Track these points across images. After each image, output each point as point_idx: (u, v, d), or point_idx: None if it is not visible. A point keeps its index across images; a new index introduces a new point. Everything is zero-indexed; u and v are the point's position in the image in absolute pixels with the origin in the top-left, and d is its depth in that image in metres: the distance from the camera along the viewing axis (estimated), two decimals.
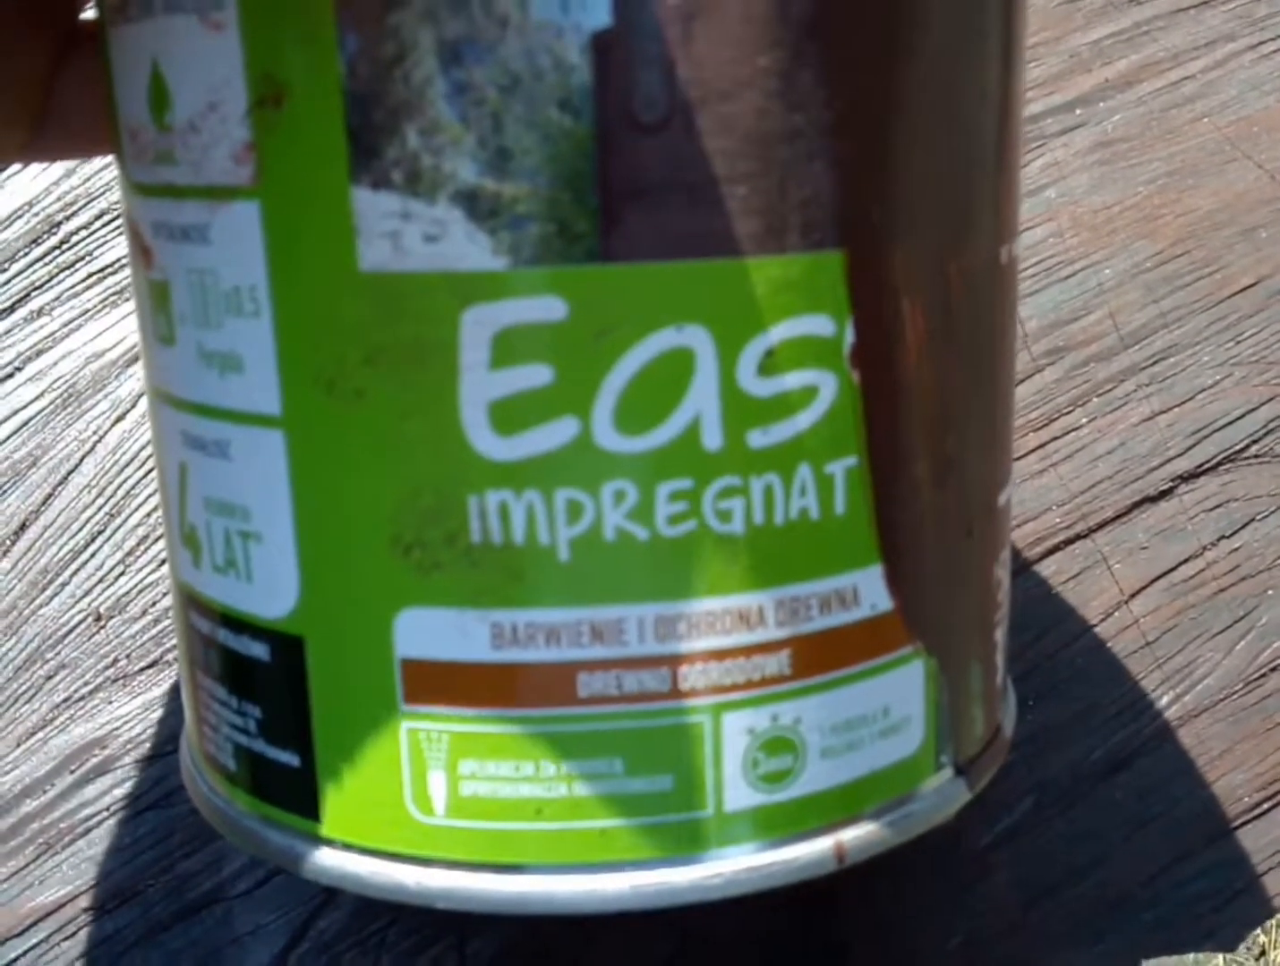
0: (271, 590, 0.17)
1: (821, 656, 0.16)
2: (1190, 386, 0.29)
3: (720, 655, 0.16)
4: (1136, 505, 0.28)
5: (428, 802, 0.16)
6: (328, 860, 0.17)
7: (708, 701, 0.16)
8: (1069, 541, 0.28)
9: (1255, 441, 0.28)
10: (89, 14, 0.19)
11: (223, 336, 0.16)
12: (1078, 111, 0.30)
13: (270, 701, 0.17)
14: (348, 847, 0.17)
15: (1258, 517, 0.28)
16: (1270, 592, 0.28)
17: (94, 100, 0.19)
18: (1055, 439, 0.28)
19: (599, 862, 0.16)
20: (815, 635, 0.16)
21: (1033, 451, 0.28)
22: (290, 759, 0.17)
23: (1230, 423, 0.28)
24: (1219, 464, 0.28)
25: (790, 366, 0.15)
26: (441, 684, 0.16)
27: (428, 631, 0.16)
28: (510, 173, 0.14)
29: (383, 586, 0.16)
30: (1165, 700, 0.28)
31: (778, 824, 0.17)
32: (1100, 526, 0.28)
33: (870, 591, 0.17)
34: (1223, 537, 0.28)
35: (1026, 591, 0.28)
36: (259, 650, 0.17)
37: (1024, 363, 0.29)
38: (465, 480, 0.15)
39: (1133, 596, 0.28)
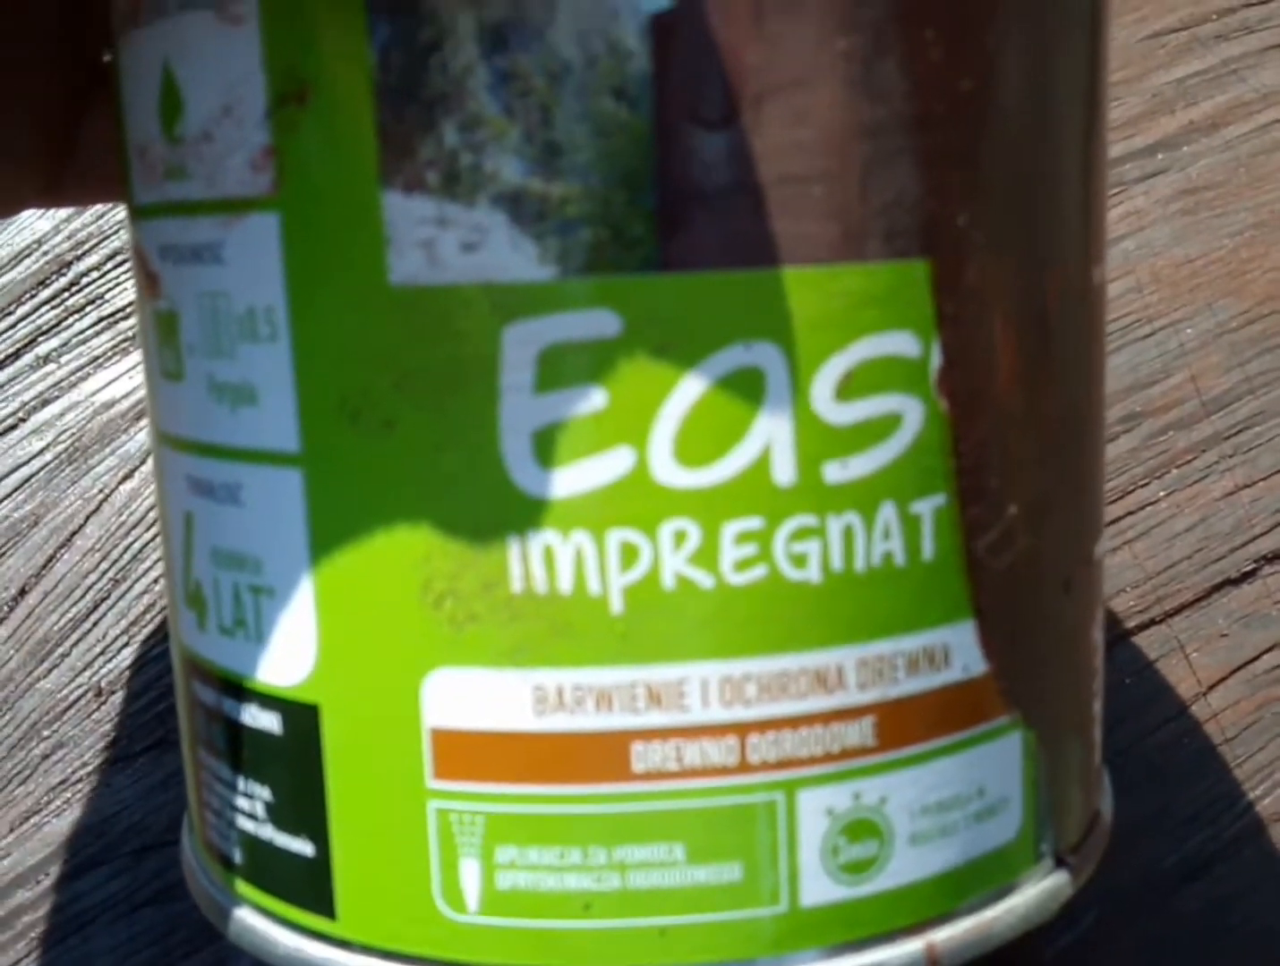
0: (285, 652, 0.15)
1: (909, 725, 0.14)
2: (1278, 459, 0.26)
3: (795, 723, 0.14)
4: (1217, 588, 0.26)
5: (459, 897, 0.14)
6: (345, 965, 0.15)
7: (781, 776, 0.14)
8: (1143, 626, 0.26)
9: None
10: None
11: (235, 366, 0.14)
12: (1159, 156, 0.28)
13: (280, 781, 0.15)
14: (367, 950, 0.15)
15: None
16: None
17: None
18: (1130, 514, 0.26)
19: None
20: (902, 700, 0.14)
21: (1105, 527, 0.26)
22: (303, 847, 0.15)
23: None
24: None
25: (871, 390, 0.14)
26: (476, 757, 0.14)
27: (461, 696, 0.14)
28: (559, 171, 0.13)
29: (410, 643, 0.14)
30: (1244, 803, 0.25)
31: (861, 922, 0.15)
32: (1177, 610, 0.26)
33: (962, 651, 0.15)
34: None
35: None
36: (269, 722, 0.15)
37: None
38: (505, 520, 0.13)
39: (1211, 688, 0.26)
